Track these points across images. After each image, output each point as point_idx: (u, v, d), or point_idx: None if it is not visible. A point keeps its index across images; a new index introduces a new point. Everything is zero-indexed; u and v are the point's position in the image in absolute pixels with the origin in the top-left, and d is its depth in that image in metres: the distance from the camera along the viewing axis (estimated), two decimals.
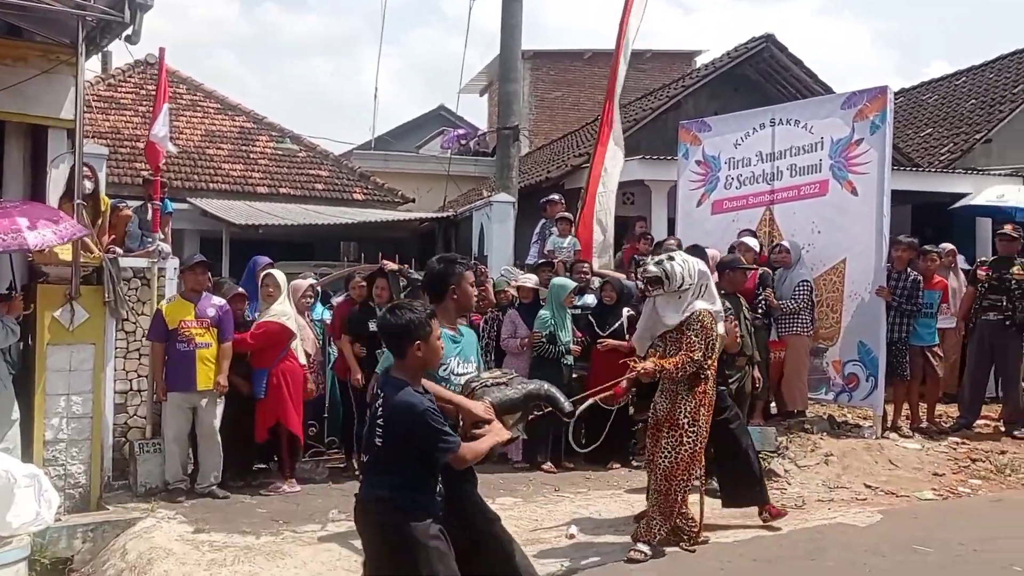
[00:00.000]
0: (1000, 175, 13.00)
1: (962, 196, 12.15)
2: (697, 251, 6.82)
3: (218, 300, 7.10)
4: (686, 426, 5.41)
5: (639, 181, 12.19)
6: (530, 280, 8.41)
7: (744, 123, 9.47)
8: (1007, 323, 8.60)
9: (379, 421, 3.43)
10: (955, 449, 8.01)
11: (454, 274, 3.97)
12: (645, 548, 5.36)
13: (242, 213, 12.88)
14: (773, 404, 8.75)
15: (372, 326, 7.32)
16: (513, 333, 8.01)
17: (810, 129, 8.77)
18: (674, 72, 21.67)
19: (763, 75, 14.83)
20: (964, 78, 17.87)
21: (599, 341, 7.91)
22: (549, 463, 7.76)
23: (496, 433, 3.60)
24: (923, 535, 5.78)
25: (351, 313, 7.58)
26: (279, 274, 7.36)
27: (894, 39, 70.44)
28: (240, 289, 7.47)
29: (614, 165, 9.87)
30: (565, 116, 23.81)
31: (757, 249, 8.63)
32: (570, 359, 7.87)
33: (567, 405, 4.16)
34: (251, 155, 16.36)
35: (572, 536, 5.89)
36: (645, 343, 5.80)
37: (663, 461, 5.40)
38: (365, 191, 16.36)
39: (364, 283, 7.58)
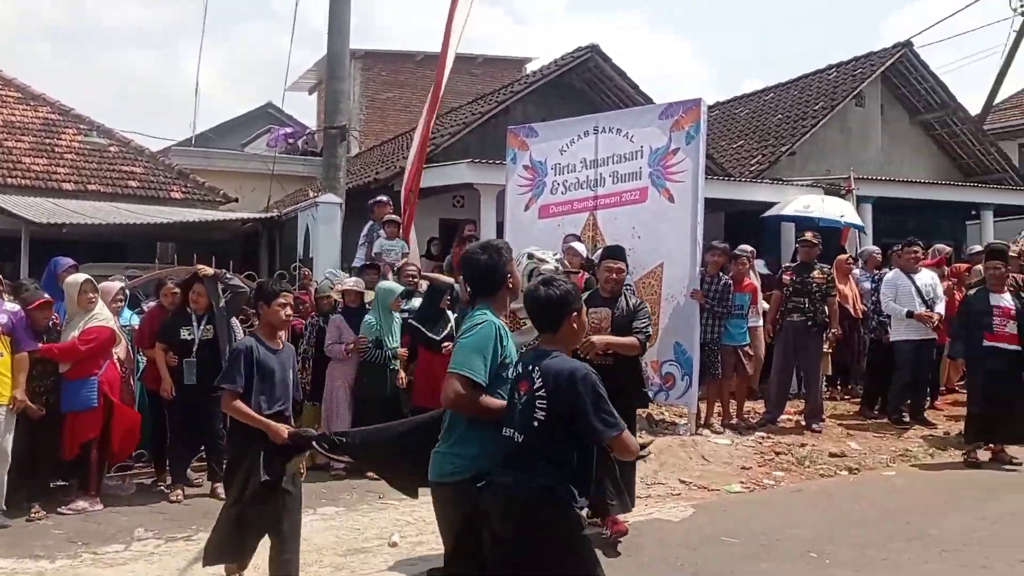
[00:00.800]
0: (802, 185, 13.93)
1: (771, 204, 12.93)
2: (617, 250, 6.56)
3: (10, 306, 6.47)
4: None
5: (468, 184, 12.23)
6: (354, 283, 8.22)
7: (569, 130, 9.65)
8: (809, 324, 9.20)
9: (539, 393, 3.08)
10: (761, 443, 8.50)
11: (505, 260, 3.62)
12: None
13: (44, 210, 11.94)
14: None
15: (184, 333, 6.96)
16: (338, 338, 7.78)
17: (631, 138, 9.03)
18: (504, 78, 21.94)
19: (588, 84, 15.24)
20: (772, 94, 19.10)
21: (443, 345, 7.69)
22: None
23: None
24: (731, 527, 6.08)
25: (164, 320, 7.14)
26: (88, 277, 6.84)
27: (714, 57, 74.53)
28: (46, 295, 6.81)
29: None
30: (396, 117, 23.63)
31: (584, 254, 8.81)
32: (396, 364, 7.76)
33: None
34: (56, 149, 15.25)
35: (395, 544, 5.79)
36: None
37: None
38: (184, 189, 15.59)
39: (176, 290, 7.16)
